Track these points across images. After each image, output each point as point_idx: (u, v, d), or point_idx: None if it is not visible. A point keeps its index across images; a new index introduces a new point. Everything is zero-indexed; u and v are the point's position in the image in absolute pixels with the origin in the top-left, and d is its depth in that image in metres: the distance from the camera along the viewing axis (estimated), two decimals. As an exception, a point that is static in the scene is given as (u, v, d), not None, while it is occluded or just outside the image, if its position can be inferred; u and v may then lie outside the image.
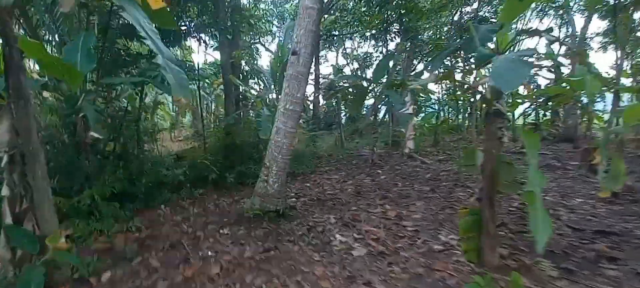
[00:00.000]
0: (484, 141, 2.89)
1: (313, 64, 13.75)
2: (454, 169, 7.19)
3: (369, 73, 13.79)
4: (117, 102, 5.45)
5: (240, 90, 7.69)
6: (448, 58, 9.18)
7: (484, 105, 2.89)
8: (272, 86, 10.57)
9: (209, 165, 5.74)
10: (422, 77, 5.02)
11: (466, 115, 13.43)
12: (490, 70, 2.37)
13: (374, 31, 10.57)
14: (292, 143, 4.11)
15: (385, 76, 8.08)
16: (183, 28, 6.61)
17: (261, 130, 5.90)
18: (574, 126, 12.42)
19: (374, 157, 8.06)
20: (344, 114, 16.67)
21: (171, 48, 6.52)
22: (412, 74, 9.33)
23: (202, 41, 6.56)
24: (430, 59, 11.82)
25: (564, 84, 3.35)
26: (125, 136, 5.80)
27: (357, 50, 18.36)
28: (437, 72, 5.48)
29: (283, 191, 4.21)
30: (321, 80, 12.48)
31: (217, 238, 3.57)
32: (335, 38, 15.22)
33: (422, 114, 12.40)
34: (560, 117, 12.99)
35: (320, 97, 12.56)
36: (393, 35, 9.89)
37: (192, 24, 6.91)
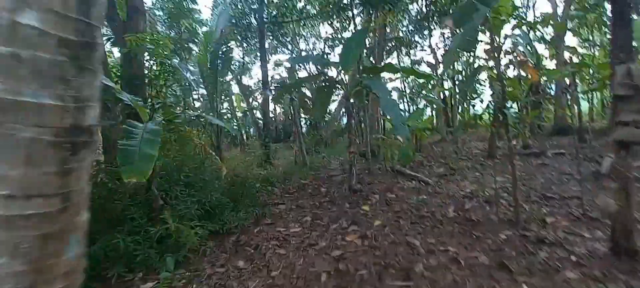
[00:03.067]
0: None
1: (258, 57, 10.45)
2: (480, 194, 4.32)
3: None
4: None
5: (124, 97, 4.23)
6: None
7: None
8: (198, 87, 7.20)
9: None
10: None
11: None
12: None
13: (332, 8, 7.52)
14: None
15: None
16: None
17: (125, 169, 2.54)
18: (562, 117, 10.39)
19: (353, 181, 4.98)
20: (305, 121, 13.51)
21: None
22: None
23: None
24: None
25: None
26: None
27: (313, 49, 15.33)
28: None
29: None
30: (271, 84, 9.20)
31: None
32: (284, 35, 12.02)
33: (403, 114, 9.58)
34: (545, 108, 10.43)
35: (272, 102, 9.28)
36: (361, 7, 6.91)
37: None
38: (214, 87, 6.98)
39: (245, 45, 12.23)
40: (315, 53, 13.89)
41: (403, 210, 3.96)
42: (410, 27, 12.74)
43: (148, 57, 5.91)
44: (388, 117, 7.21)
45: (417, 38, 12.87)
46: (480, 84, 11.99)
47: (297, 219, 4.01)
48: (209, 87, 6.97)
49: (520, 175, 5.26)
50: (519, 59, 7.31)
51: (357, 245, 3.06)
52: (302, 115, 9.53)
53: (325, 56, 9.94)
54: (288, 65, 6.99)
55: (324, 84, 5.26)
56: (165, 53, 5.76)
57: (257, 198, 4.61)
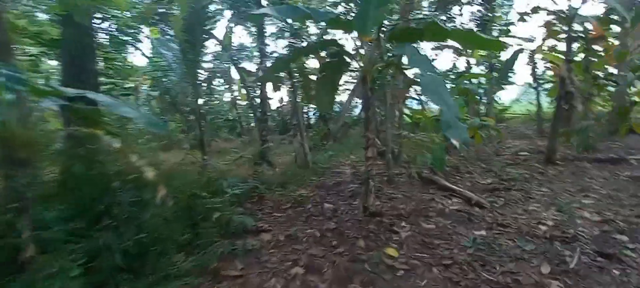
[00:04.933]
0: None
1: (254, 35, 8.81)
2: (573, 231, 2.63)
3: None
4: None
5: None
6: None
7: None
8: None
9: None
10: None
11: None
12: None
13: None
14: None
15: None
16: None
17: None
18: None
19: (371, 201, 3.34)
20: (313, 111, 11.79)
21: None
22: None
23: None
24: None
25: None
26: None
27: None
28: None
29: None
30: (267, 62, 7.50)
31: None
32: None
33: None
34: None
35: (272, 88, 7.59)
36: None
37: None
38: (194, 64, 5.40)
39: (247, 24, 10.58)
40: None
41: (457, 262, 2.30)
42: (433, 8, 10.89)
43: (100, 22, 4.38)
44: (417, 106, 5.50)
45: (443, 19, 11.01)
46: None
47: (281, 268, 2.42)
48: (188, 64, 5.38)
49: (612, 195, 3.53)
50: (592, 35, 5.45)
51: None
52: (304, 103, 7.88)
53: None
54: (273, 16, 4.98)
55: (330, 60, 3.59)
56: (120, 16, 4.18)
57: (229, 224, 3.06)
